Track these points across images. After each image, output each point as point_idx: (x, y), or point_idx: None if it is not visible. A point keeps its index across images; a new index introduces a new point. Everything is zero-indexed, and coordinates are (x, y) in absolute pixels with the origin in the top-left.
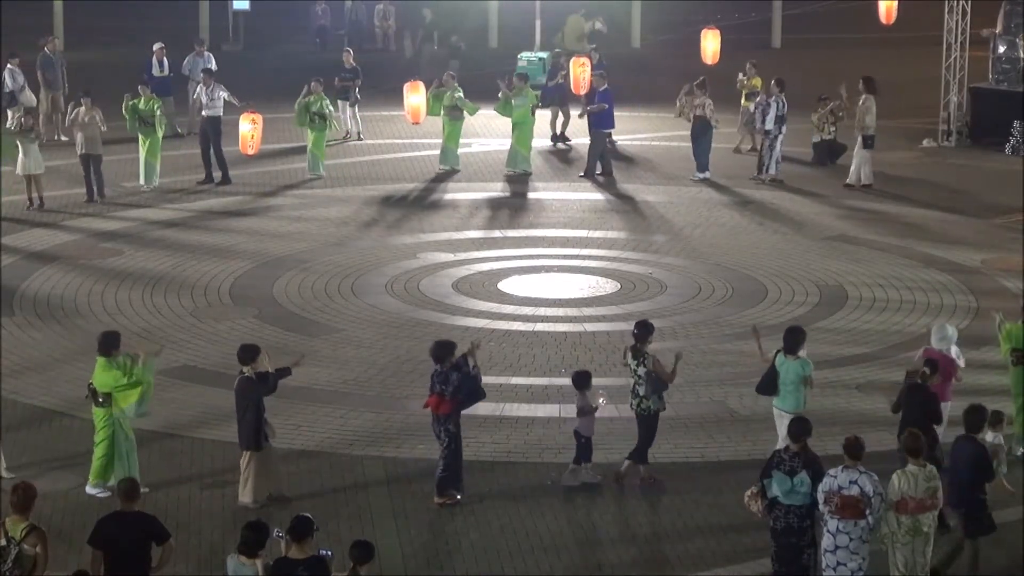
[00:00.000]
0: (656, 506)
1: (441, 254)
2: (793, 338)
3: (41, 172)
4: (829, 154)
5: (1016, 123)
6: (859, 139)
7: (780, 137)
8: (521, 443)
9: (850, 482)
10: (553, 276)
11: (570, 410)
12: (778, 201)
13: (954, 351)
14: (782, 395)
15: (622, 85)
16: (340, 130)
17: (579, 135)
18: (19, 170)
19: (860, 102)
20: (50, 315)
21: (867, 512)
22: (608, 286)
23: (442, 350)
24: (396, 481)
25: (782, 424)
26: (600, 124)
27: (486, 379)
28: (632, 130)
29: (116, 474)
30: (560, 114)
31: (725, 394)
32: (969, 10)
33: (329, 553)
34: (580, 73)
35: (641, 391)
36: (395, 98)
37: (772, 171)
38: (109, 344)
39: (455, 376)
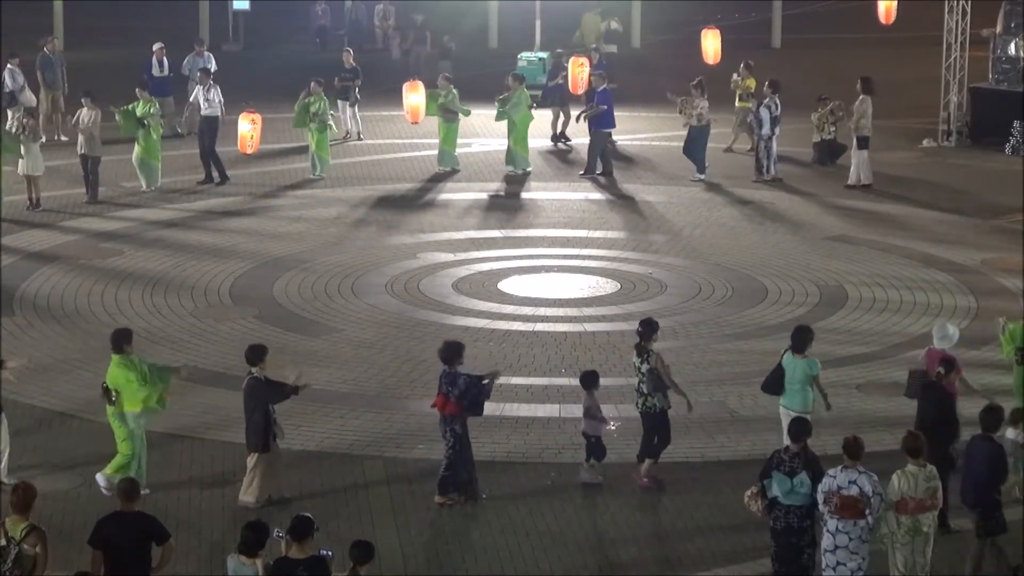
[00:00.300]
0: (656, 506)
1: (441, 254)
2: (801, 337)
3: (40, 174)
4: (829, 154)
5: (1016, 123)
6: (854, 140)
7: (775, 137)
8: (521, 443)
9: (849, 482)
10: (553, 276)
11: (569, 410)
12: (778, 201)
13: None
14: (789, 394)
15: (622, 85)
16: (339, 130)
17: (579, 135)
18: (20, 170)
19: (856, 103)
20: (50, 315)
21: (867, 512)
22: (608, 286)
23: (450, 351)
24: (396, 481)
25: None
26: (600, 123)
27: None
28: (632, 130)
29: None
30: (561, 114)
31: (725, 394)
32: (969, 10)
33: (329, 553)
34: (579, 73)
35: (645, 389)
36: (395, 98)
37: (772, 171)
38: (121, 340)
39: (462, 380)
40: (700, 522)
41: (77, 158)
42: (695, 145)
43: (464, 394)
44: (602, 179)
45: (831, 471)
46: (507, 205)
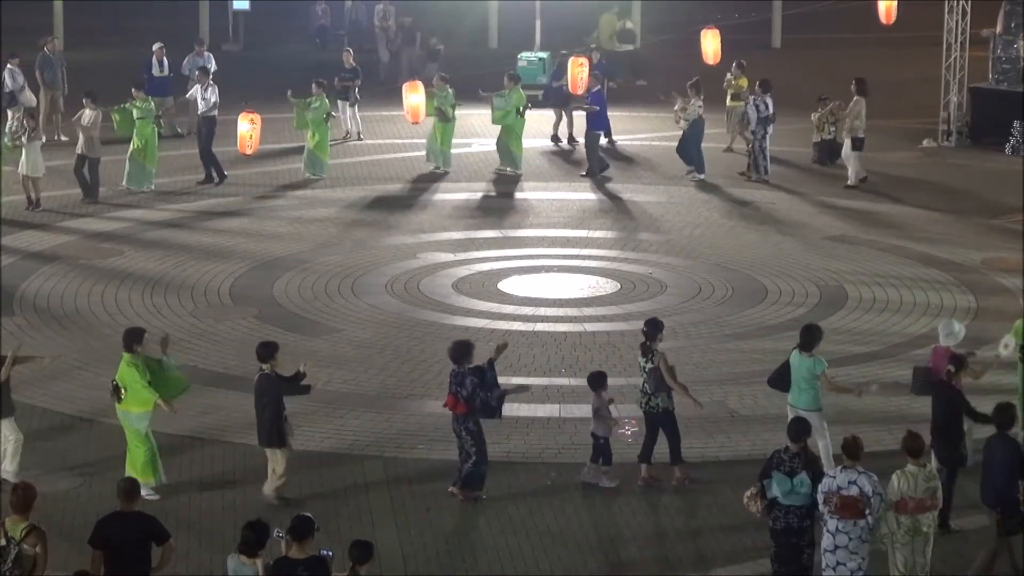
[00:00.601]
0: (656, 506)
1: (441, 254)
2: (809, 335)
3: (40, 175)
4: (829, 154)
5: (1016, 123)
6: (847, 141)
7: (767, 136)
8: (521, 443)
9: (849, 482)
10: (553, 276)
11: (569, 410)
12: (778, 201)
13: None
14: (795, 392)
15: (623, 85)
16: (339, 130)
17: (580, 135)
18: (20, 170)
19: (851, 104)
20: (50, 315)
21: (866, 512)
22: (608, 286)
23: (459, 351)
24: (396, 481)
25: None
26: (591, 124)
27: None
28: (632, 130)
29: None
30: (563, 115)
31: (725, 394)
32: (969, 10)
33: (329, 553)
34: (579, 73)
35: (648, 388)
36: (395, 98)
37: (764, 172)
38: (131, 339)
39: (468, 382)
40: (700, 522)
41: (76, 158)
42: (689, 144)
43: (472, 396)
44: (598, 177)
45: (831, 471)
46: (507, 205)
